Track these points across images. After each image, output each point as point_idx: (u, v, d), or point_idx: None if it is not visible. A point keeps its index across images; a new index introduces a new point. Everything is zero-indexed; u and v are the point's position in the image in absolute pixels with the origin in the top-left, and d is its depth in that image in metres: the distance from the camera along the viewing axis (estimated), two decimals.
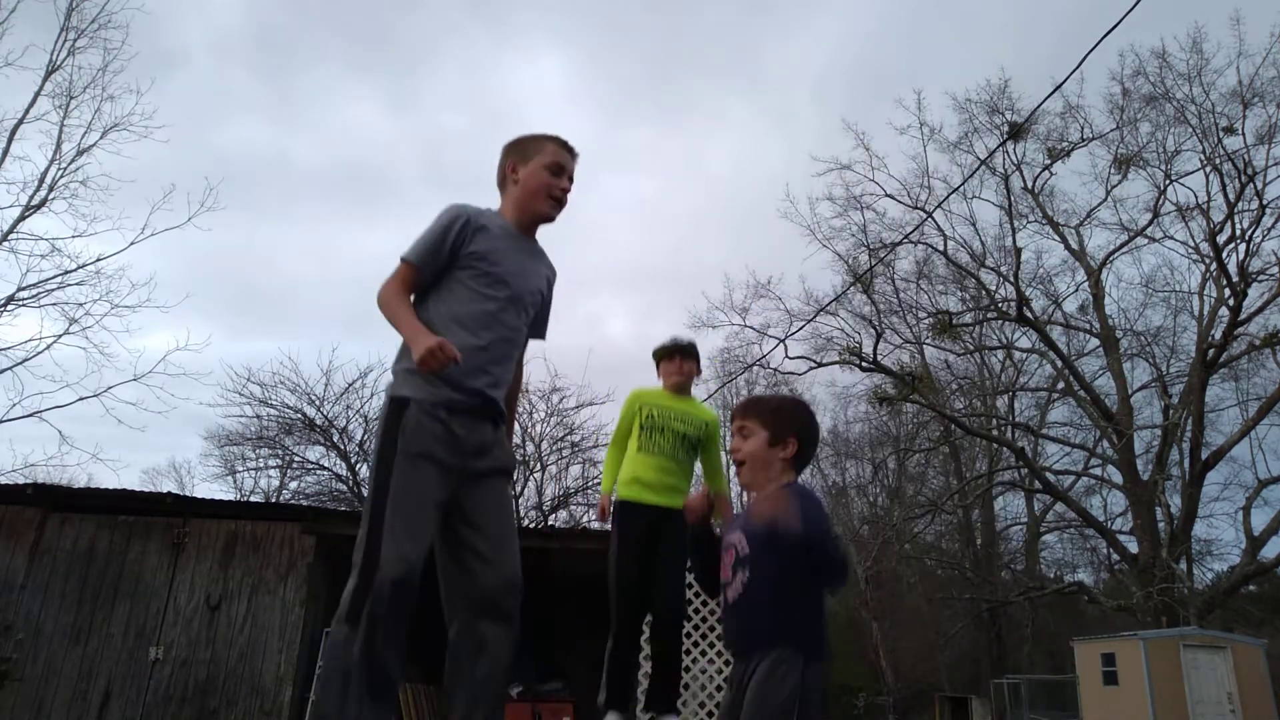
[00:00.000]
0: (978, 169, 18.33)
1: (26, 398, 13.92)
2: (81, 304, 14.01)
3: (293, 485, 19.83)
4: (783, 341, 19.70)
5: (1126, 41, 18.76)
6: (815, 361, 21.17)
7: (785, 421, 2.25)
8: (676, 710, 3.85)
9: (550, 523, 18.13)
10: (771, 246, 32.20)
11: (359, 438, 18.47)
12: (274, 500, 19.37)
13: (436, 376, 2.21)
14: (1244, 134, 17.45)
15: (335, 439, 18.32)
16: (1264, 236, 17.73)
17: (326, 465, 18.74)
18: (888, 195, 20.01)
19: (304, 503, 16.89)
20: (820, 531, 2.01)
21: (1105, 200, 20.04)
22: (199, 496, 9.41)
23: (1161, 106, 18.70)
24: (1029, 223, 20.61)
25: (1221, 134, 17.62)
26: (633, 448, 3.91)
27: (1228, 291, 18.22)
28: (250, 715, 7.85)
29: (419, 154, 43.67)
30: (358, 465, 18.51)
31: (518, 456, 18.64)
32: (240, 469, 20.25)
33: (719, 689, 7.76)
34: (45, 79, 14.57)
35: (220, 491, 21.42)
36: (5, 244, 13.81)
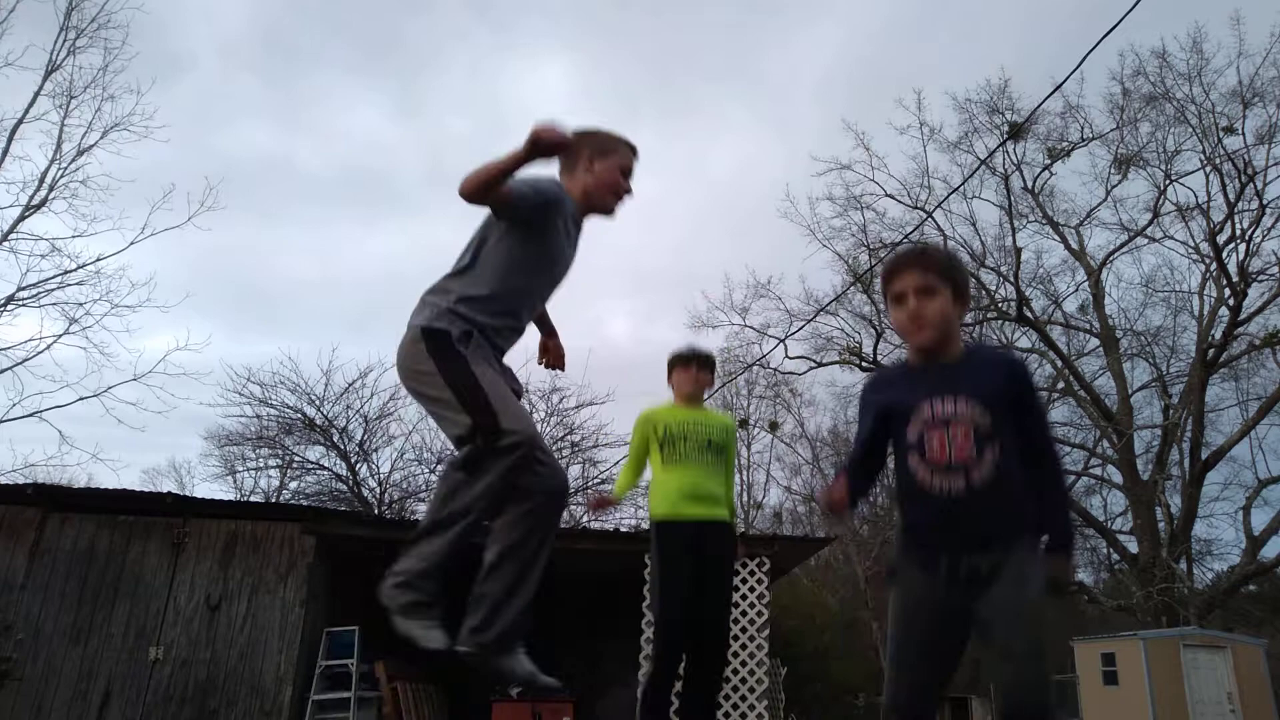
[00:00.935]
0: (978, 169, 18.34)
1: (26, 398, 13.89)
2: (81, 304, 14.03)
3: (293, 485, 19.82)
4: (783, 341, 19.72)
5: (1126, 41, 18.76)
6: (815, 361, 21.20)
7: (963, 278, 2.18)
8: None
9: None
10: (772, 247, 32.21)
11: (359, 438, 18.47)
12: (274, 500, 19.36)
13: (472, 315, 2.33)
14: (1244, 134, 17.44)
15: (335, 439, 18.30)
16: (1264, 236, 17.73)
17: (326, 465, 18.71)
18: (888, 195, 20.02)
19: (304, 503, 16.87)
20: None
21: (1105, 200, 20.05)
22: (199, 496, 9.41)
23: (1161, 106, 18.70)
24: (1029, 223, 20.62)
25: (1221, 134, 17.60)
26: (657, 468, 3.79)
27: (1228, 291, 18.22)
28: (250, 715, 7.85)
29: (421, 156, 43.71)
30: (358, 465, 18.52)
31: None
32: (240, 469, 20.24)
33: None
34: (45, 79, 14.59)
35: (220, 491, 21.44)
36: (5, 244, 13.83)
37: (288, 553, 8.43)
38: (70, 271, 14.02)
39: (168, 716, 7.78)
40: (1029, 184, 20.03)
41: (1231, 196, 17.78)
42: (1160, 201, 19.40)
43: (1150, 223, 19.84)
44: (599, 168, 2.57)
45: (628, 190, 2.61)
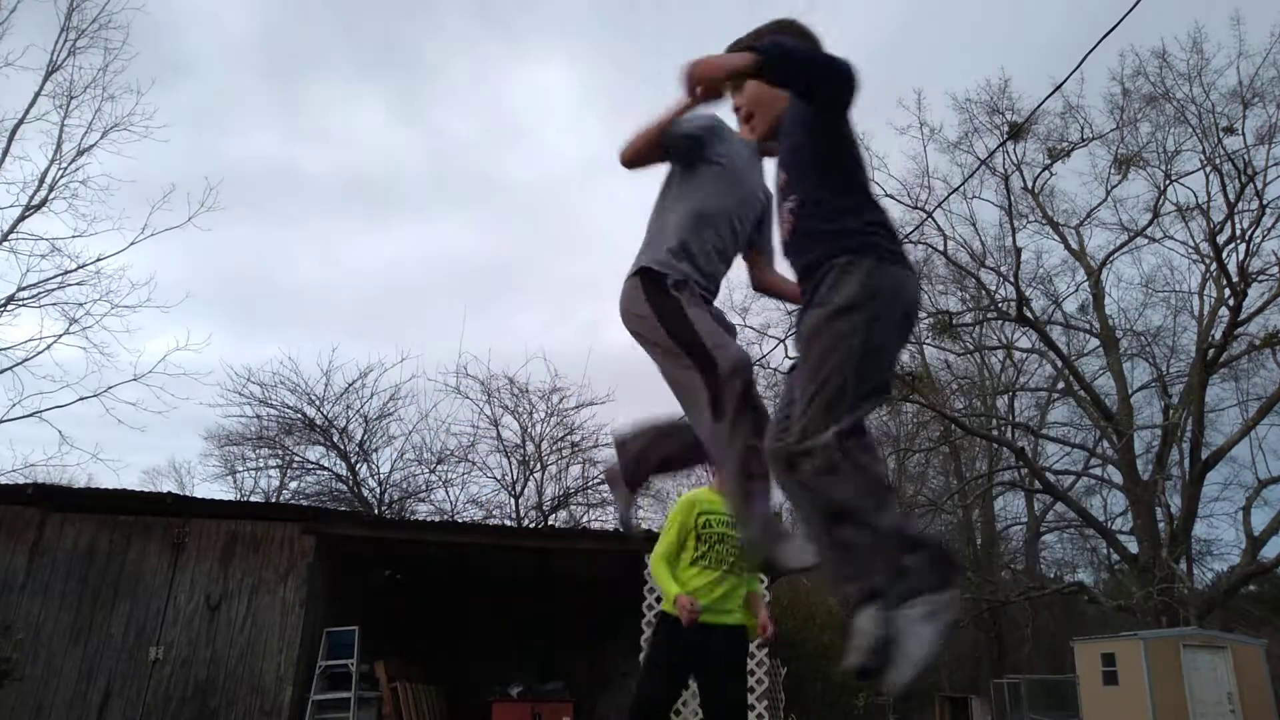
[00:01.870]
0: (978, 169, 18.34)
1: (26, 398, 13.92)
2: (81, 304, 14.04)
3: (293, 485, 19.82)
4: (783, 341, 19.71)
5: (1126, 41, 18.77)
6: None
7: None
8: None
9: (550, 523, 18.12)
10: None
11: (359, 438, 18.48)
12: (274, 500, 19.35)
13: (677, 262, 2.25)
14: (1244, 134, 17.44)
15: (335, 439, 18.31)
16: (1264, 236, 17.73)
17: (326, 465, 18.71)
18: (888, 195, 19.97)
19: (304, 503, 16.87)
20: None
21: (1105, 200, 20.05)
22: (199, 496, 9.42)
23: (1161, 106, 18.69)
24: (1029, 223, 20.63)
25: (1221, 134, 17.60)
26: (685, 559, 3.67)
27: (1228, 291, 18.22)
28: (250, 715, 7.85)
29: (424, 160, 43.70)
30: (358, 465, 18.52)
31: (518, 456, 18.67)
32: (240, 469, 20.24)
33: None
34: (45, 79, 14.60)
35: (220, 491, 21.41)
36: (5, 244, 13.83)
37: (288, 553, 8.43)
38: (70, 271, 14.04)
39: (168, 716, 7.79)
40: (1029, 184, 20.04)
41: (1231, 196, 17.78)
42: (1160, 201, 19.42)
43: (1150, 223, 19.87)
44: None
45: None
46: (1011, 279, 19.64)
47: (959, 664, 27.17)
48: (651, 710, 3.50)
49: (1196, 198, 18.95)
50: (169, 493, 9.25)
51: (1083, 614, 25.29)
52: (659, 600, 3.79)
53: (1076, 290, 21.49)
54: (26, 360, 13.54)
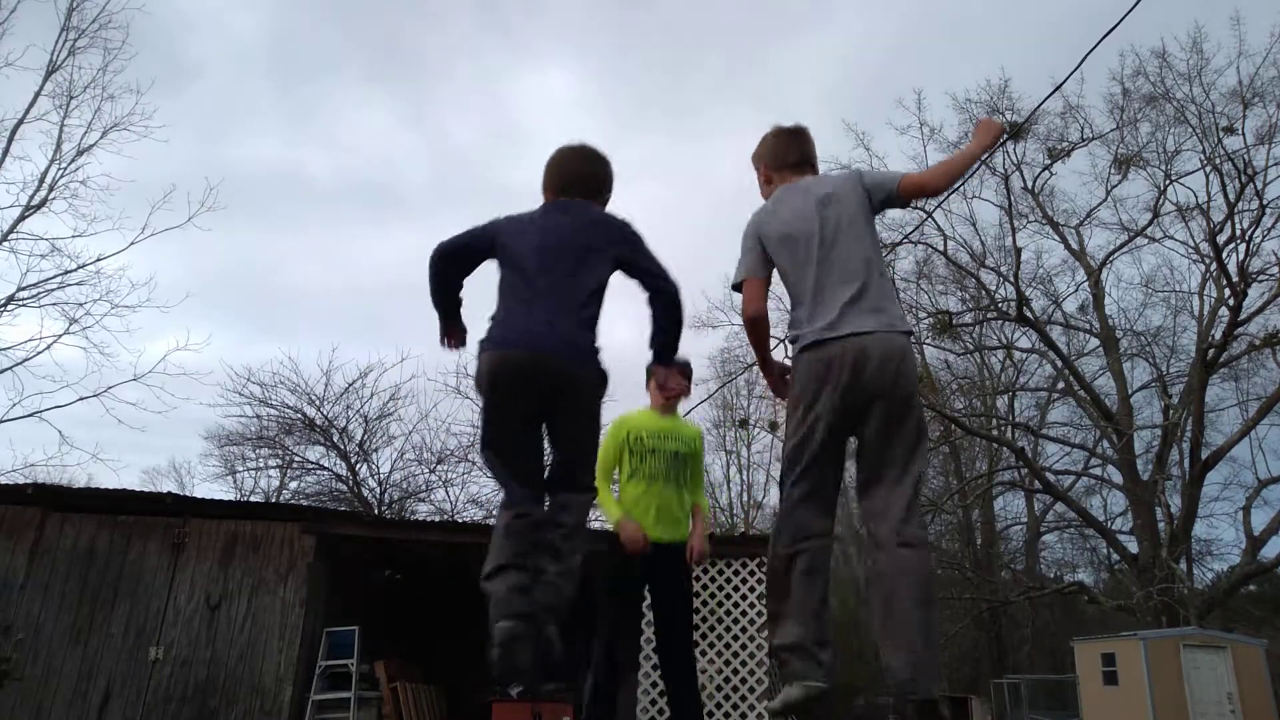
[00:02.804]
0: (978, 169, 18.32)
1: (26, 398, 13.98)
2: (81, 304, 14.05)
3: (293, 485, 19.83)
4: (783, 342, 19.65)
5: (1126, 41, 18.77)
6: None
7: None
8: None
9: None
10: None
11: (359, 438, 18.47)
12: (274, 500, 19.35)
13: None
14: (1244, 134, 17.43)
15: (335, 439, 18.31)
16: (1264, 236, 17.71)
17: (326, 465, 18.72)
18: None
19: (304, 503, 16.86)
20: None
21: (1105, 200, 20.04)
22: (199, 496, 9.41)
23: (1161, 106, 18.69)
24: (1029, 223, 20.61)
25: (1221, 134, 17.59)
26: (624, 478, 3.79)
27: (1228, 291, 18.21)
28: (250, 715, 7.84)
29: (427, 163, 43.74)
30: (358, 465, 18.52)
31: None
32: (240, 469, 20.25)
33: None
34: (45, 79, 14.61)
35: (220, 491, 21.42)
36: (5, 244, 13.84)
37: (288, 553, 8.43)
38: (70, 271, 14.06)
39: (168, 716, 7.78)
40: (1029, 184, 20.03)
41: (1231, 196, 17.77)
42: (1160, 201, 19.42)
43: (1150, 223, 19.86)
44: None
45: None
46: (1011, 279, 19.64)
47: (959, 664, 27.18)
48: (627, 636, 3.63)
49: (1196, 198, 18.97)
50: (169, 493, 9.24)
51: (1083, 614, 25.28)
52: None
53: (1076, 290, 21.51)
54: (26, 360, 13.56)
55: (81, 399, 13.72)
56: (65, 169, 14.44)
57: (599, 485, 3.74)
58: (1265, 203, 17.32)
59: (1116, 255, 20.80)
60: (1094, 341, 21.80)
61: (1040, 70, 36.66)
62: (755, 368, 21.28)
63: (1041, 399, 24.66)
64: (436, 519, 15.98)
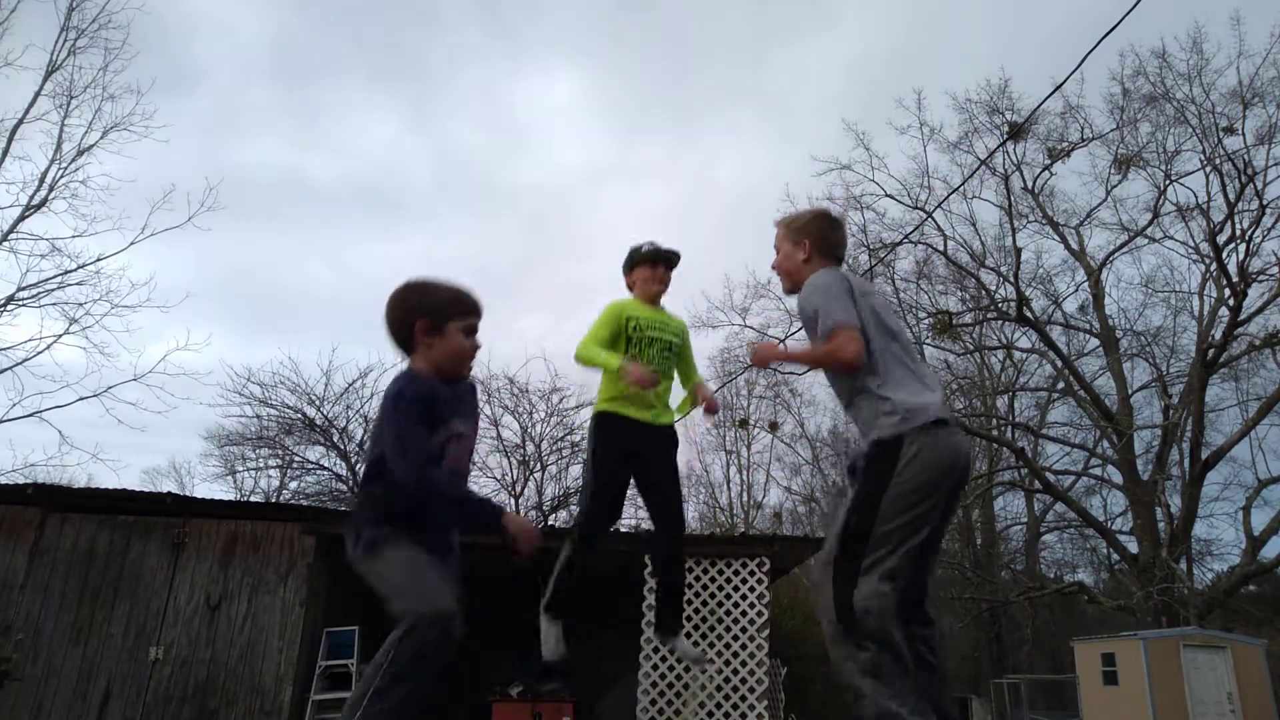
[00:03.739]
0: (978, 169, 18.34)
1: (26, 398, 13.98)
2: (81, 304, 14.06)
3: (293, 485, 19.84)
4: (783, 342, 19.70)
5: (1126, 41, 18.77)
6: None
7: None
8: (683, 633, 3.91)
9: (550, 523, 18.11)
10: (772, 247, 32.12)
11: (359, 438, 18.47)
12: (274, 500, 19.36)
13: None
14: (1244, 134, 17.45)
15: (335, 439, 18.32)
16: (1264, 236, 17.73)
17: (326, 465, 18.73)
18: (888, 195, 20.01)
19: (304, 503, 16.87)
20: None
21: (1105, 200, 20.05)
22: (199, 496, 9.41)
23: (1161, 106, 18.70)
24: (1029, 223, 20.62)
25: (1221, 134, 17.61)
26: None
27: (1228, 291, 18.22)
28: (250, 715, 7.85)
29: (429, 165, 43.77)
30: (358, 465, 18.50)
31: (518, 456, 18.66)
32: (240, 469, 20.26)
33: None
34: (45, 79, 14.62)
35: (220, 491, 21.44)
36: (5, 244, 13.84)
37: (288, 553, 8.43)
38: (70, 271, 14.07)
39: (168, 716, 7.79)
40: (1029, 184, 20.04)
41: (1231, 196, 17.78)
42: (1160, 201, 19.42)
43: (1150, 223, 19.86)
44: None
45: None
46: (1011, 279, 19.64)
47: (959, 664, 27.18)
48: (609, 518, 3.69)
49: (1196, 198, 18.98)
50: (169, 493, 9.24)
51: (1083, 614, 25.28)
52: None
53: (1076, 290, 21.51)
54: (26, 360, 13.57)
55: (81, 399, 13.74)
56: (65, 169, 14.47)
57: (587, 347, 3.65)
58: (1265, 203, 17.35)
59: (1116, 255, 20.83)
60: (1094, 341, 21.81)
61: (1040, 70, 36.68)
62: (755, 368, 21.29)
63: (1041, 399, 24.68)
64: None
